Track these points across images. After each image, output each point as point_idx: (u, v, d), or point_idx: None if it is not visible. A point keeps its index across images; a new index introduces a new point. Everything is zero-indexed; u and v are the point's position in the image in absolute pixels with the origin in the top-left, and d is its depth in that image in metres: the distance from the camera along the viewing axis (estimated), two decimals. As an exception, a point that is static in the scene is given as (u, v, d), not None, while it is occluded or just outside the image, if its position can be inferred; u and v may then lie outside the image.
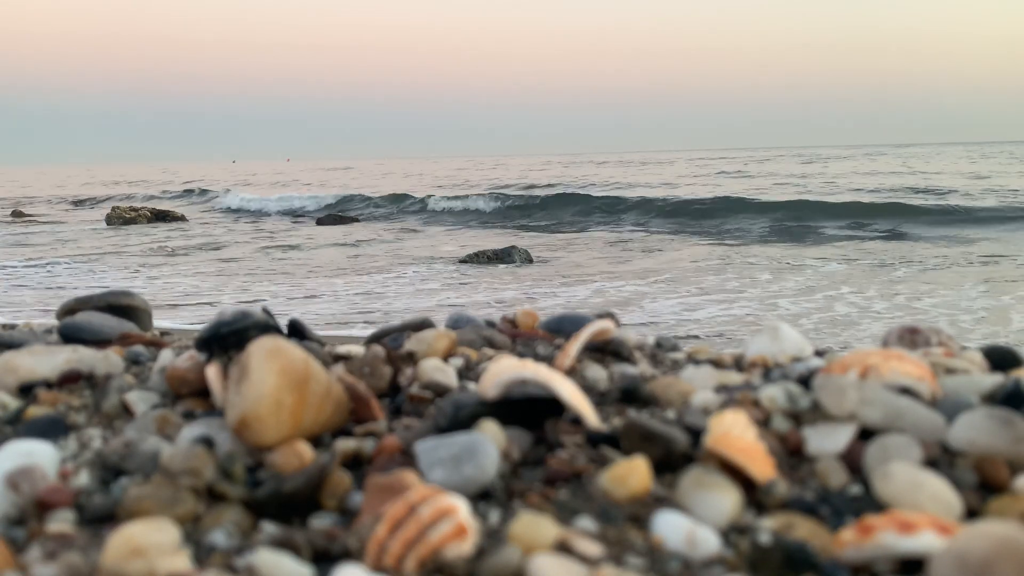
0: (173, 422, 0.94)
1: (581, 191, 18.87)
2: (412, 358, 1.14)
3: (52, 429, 0.94)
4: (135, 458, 0.84)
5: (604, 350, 1.18)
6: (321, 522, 0.74)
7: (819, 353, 1.18)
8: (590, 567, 0.64)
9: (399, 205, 19.09)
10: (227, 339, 1.01)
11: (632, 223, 14.73)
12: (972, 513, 0.73)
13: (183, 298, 7.86)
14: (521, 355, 1.21)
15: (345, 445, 0.86)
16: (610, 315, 1.32)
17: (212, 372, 0.99)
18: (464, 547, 0.66)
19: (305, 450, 0.83)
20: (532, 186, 21.89)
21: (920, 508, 0.71)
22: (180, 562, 0.64)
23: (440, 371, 1.05)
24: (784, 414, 0.90)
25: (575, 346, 1.10)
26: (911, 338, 1.17)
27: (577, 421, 0.89)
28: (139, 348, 1.21)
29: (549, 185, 21.80)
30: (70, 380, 1.08)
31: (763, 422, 0.89)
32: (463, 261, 9.60)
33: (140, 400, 1.02)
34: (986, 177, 20.67)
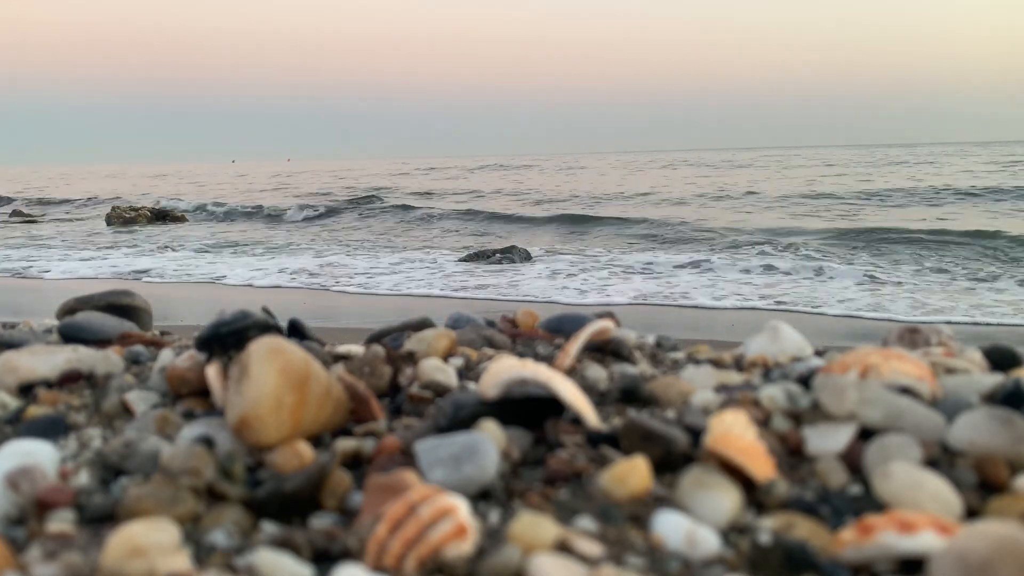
0: (173, 422, 0.94)
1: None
2: (412, 358, 1.14)
3: (52, 429, 0.94)
4: (135, 458, 0.84)
5: (604, 350, 1.18)
6: (321, 522, 0.74)
7: (819, 353, 1.18)
8: (590, 567, 0.64)
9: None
10: (227, 339, 1.01)
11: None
12: (972, 513, 0.73)
13: None
14: (521, 355, 1.21)
15: (345, 445, 0.86)
16: (610, 315, 1.32)
17: (212, 372, 0.99)
18: (464, 547, 0.66)
19: (305, 450, 0.83)
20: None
21: (920, 508, 0.71)
22: (180, 562, 0.64)
23: (440, 371, 1.05)
24: (784, 414, 0.90)
25: (575, 346, 1.10)
26: (911, 338, 1.17)
27: (577, 421, 0.89)
28: (139, 348, 1.21)
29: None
30: (70, 380, 1.08)
31: (763, 422, 0.89)
32: (464, 260, 9.60)
33: (140, 400, 1.01)
34: None
